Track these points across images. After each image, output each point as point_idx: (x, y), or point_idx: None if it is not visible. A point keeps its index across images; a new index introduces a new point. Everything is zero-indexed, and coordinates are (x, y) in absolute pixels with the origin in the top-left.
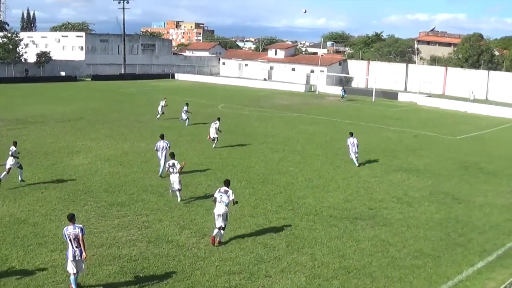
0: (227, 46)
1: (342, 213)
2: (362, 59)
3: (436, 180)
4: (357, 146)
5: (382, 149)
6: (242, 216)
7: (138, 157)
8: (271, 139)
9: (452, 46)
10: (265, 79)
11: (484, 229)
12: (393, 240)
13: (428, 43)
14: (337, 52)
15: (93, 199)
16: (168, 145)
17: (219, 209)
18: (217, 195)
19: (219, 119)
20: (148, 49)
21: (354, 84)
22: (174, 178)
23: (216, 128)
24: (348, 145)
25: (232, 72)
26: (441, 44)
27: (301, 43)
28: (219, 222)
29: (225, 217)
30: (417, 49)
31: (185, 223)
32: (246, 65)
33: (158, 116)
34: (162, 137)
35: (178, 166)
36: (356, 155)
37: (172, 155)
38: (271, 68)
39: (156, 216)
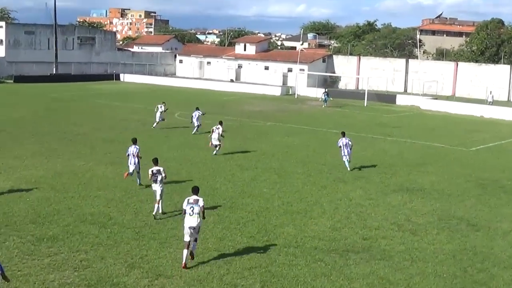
0: (185, 40)
1: (330, 244)
2: (351, 54)
3: (446, 202)
4: (350, 148)
5: (378, 164)
6: (206, 251)
7: (75, 179)
8: (240, 154)
9: (464, 36)
10: (232, 80)
11: (511, 262)
12: (394, 277)
13: (434, 32)
14: (320, 46)
15: (17, 232)
16: (138, 150)
17: (191, 221)
18: (186, 207)
19: (221, 123)
20: (86, 43)
21: (341, 85)
22: (157, 188)
23: (219, 133)
24: (340, 147)
25: (192, 72)
26: (449, 33)
27: (276, 36)
28: (190, 236)
29: (197, 230)
30: (420, 40)
31: (134, 261)
32: (208, 63)
33: (155, 124)
34: (134, 141)
35: (164, 174)
36: (349, 158)
37: (156, 161)
38: (239, 66)
39: (98, 252)
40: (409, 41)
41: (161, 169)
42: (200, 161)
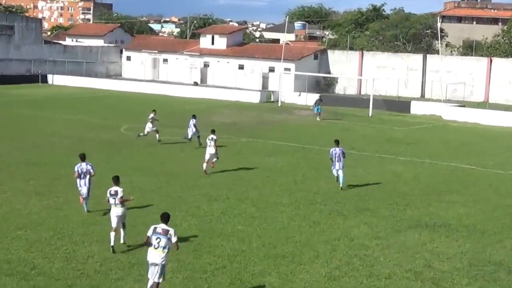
0: (134, 31)
1: None
2: (351, 48)
3: (479, 242)
4: (342, 158)
5: (387, 192)
6: None
7: None
8: (208, 180)
9: (500, 24)
10: (196, 83)
11: None
12: None
13: (460, 19)
14: (312, 38)
15: None
16: (93, 169)
17: (155, 257)
18: (152, 236)
19: (213, 131)
20: (2, 34)
21: (339, 89)
22: (117, 212)
23: (215, 145)
24: (331, 158)
25: (143, 73)
26: (481, 20)
27: (253, 25)
28: (155, 277)
29: (163, 269)
30: (442, 30)
31: None
32: (165, 60)
33: (142, 134)
34: (83, 157)
35: (120, 194)
36: (341, 173)
37: (116, 180)
38: (206, 65)
39: None
40: (427, 31)
41: (119, 190)
42: (155, 189)
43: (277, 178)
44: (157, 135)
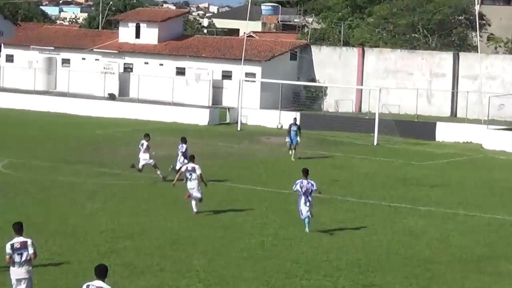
0: (18, 17)
1: None
2: (347, 43)
3: None
4: (310, 195)
5: (401, 259)
6: None
7: None
8: (130, 242)
9: None
10: (112, 97)
11: None
12: None
13: (509, 1)
14: (287, 27)
15: None
16: None
17: None
18: None
19: (193, 158)
20: None
21: (328, 105)
22: (21, 274)
23: (198, 176)
24: (297, 192)
25: (31, 80)
26: None
27: (199, 8)
28: None
29: None
30: (482, 16)
31: None
32: (65, 61)
33: (137, 167)
34: None
35: (31, 250)
36: (310, 213)
37: (19, 229)
38: (127, 69)
39: None
40: (460, 18)
41: (29, 241)
42: (49, 257)
43: (235, 239)
44: (158, 171)
